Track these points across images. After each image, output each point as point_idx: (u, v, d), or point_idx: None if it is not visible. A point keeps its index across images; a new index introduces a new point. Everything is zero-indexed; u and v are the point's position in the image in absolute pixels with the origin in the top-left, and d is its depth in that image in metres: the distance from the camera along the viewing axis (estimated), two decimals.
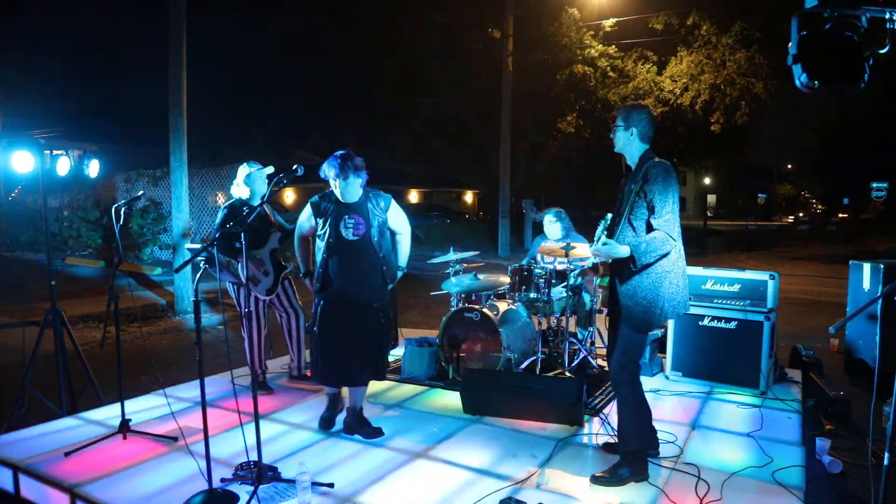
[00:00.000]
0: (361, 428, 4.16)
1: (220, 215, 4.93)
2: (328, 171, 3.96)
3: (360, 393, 4.21)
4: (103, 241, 16.14)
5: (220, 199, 15.00)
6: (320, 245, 4.09)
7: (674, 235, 3.30)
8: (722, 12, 15.65)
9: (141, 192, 4.66)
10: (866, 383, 5.70)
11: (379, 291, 4.10)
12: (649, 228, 3.34)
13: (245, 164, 5.05)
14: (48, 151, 4.81)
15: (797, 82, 2.32)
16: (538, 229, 6.19)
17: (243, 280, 4.66)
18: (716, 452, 3.87)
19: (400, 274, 4.35)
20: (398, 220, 4.29)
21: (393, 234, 4.30)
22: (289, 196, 30.28)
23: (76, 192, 16.79)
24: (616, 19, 17.30)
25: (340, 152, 3.98)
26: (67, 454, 3.84)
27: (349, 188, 3.98)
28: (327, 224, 4.03)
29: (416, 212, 31.89)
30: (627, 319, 3.40)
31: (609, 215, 3.46)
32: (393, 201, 4.25)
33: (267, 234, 5.06)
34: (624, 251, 3.28)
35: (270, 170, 5.01)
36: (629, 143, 3.48)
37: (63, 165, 4.81)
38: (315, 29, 20.58)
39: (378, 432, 4.14)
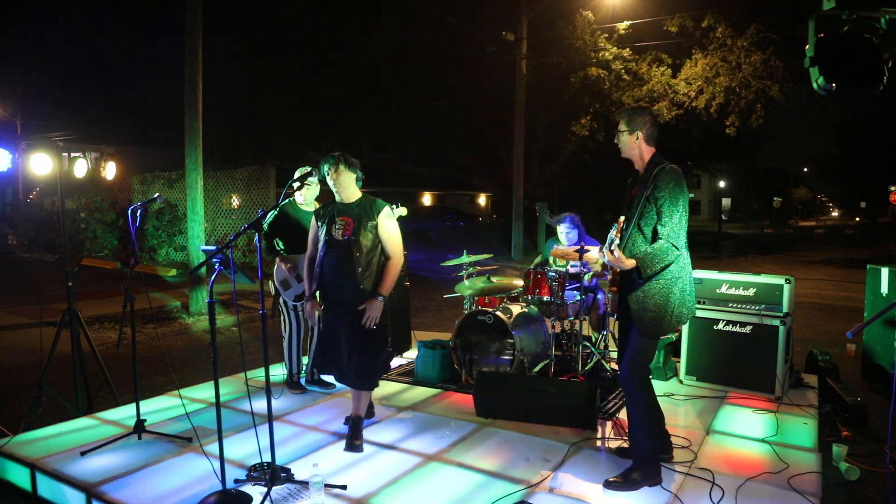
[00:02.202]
0: (351, 436, 4.01)
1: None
2: (323, 166, 4.00)
3: (358, 399, 4.09)
4: (119, 242, 16.32)
5: (235, 202, 15.11)
6: (319, 246, 4.06)
7: (678, 244, 3.29)
8: (738, 14, 15.55)
9: (156, 194, 4.70)
10: (884, 389, 5.63)
11: (364, 294, 3.91)
12: (654, 233, 3.33)
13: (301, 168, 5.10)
14: (66, 154, 4.88)
15: (814, 85, 2.30)
16: (551, 231, 6.17)
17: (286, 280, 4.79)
18: (730, 458, 3.84)
19: (379, 300, 3.90)
20: (388, 232, 4.01)
21: (385, 254, 4.02)
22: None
23: (93, 193, 16.99)
24: (630, 22, 17.25)
25: (337, 153, 4.02)
26: (83, 453, 3.88)
27: (343, 183, 3.97)
28: (324, 224, 4.04)
29: (429, 214, 31.97)
30: (638, 325, 3.39)
31: (622, 217, 3.45)
32: (388, 209, 4.08)
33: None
34: (630, 264, 3.26)
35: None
36: (635, 147, 3.46)
37: (80, 168, 4.87)
38: (329, 31, 20.67)
39: (355, 448, 3.95)
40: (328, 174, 3.99)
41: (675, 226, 3.27)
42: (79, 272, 4.97)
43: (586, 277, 5.42)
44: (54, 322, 4.81)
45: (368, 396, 4.18)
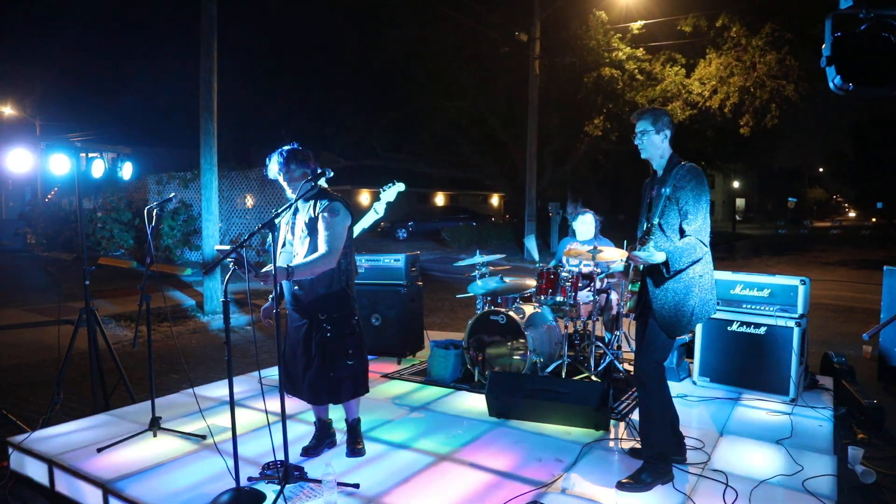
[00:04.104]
0: (351, 441, 3.94)
1: None
2: (270, 167, 3.70)
3: (348, 406, 3.93)
4: (135, 241, 16.47)
5: (249, 201, 15.21)
6: (277, 250, 3.77)
7: (705, 241, 3.30)
8: (752, 14, 15.44)
9: (172, 194, 4.74)
10: None
11: (322, 300, 3.63)
12: (681, 232, 3.32)
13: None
14: (83, 154, 4.92)
15: (831, 84, 2.29)
16: (564, 232, 6.17)
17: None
18: (744, 460, 3.82)
19: (283, 270, 3.38)
20: (324, 224, 3.56)
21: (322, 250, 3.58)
22: None
23: (110, 193, 17.18)
24: (644, 21, 17.17)
25: (287, 147, 3.72)
26: (100, 450, 3.92)
27: (297, 183, 3.66)
28: (284, 225, 3.79)
29: (442, 214, 31.97)
30: (658, 322, 3.38)
31: (653, 222, 3.44)
32: (332, 205, 3.61)
33: None
34: (660, 257, 3.26)
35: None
36: (660, 147, 3.46)
37: (97, 168, 4.92)
38: (342, 32, 20.76)
39: (357, 453, 3.90)
40: (279, 176, 3.68)
41: (701, 224, 3.29)
42: (95, 271, 5.01)
43: (614, 267, 5.35)
44: (72, 320, 4.86)
45: (359, 400, 3.95)
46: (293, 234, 3.74)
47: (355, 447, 3.93)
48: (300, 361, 3.72)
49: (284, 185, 3.73)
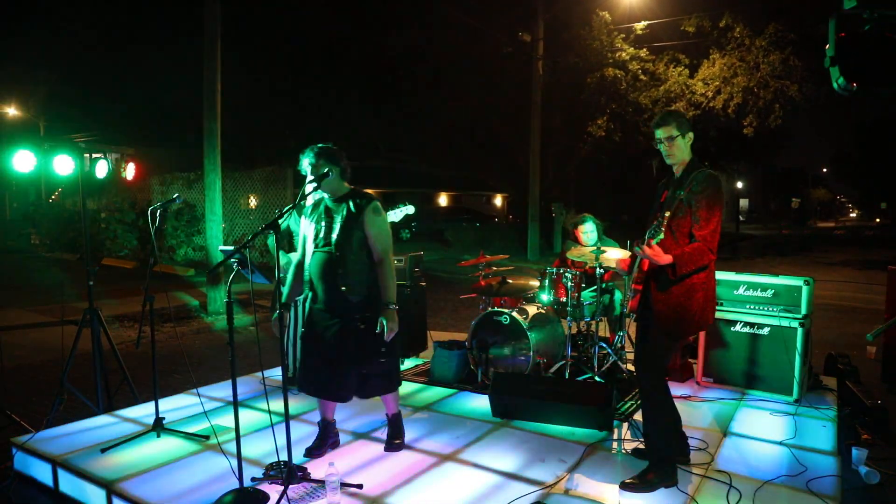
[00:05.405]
0: (392, 436, 4.03)
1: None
2: (301, 161, 3.74)
3: (387, 400, 4.01)
4: (139, 242, 16.50)
5: (253, 202, 15.23)
6: (307, 249, 3.83)
7: (713, 248, 3.27)
8: (756, 14, 15.41)
9: (176, 194, 4.73)
10: None
11: (365, 301, 3.68)
12: (690, 237, 3.31)
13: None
14: (87, 155, 4.94)
15: (835, 84, 2.29)
16: (568, 233, 6.16)
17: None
18: (748, 460, 3.81)
19: (391, 308, 3.66)
20: (376, 228, 3.68)
21: (374, 255, 3.71)
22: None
23: (113, 194, 17.24)
24: (647, 22, 17.14)
25: (322, 144, 3.78)
26: (104, 451, 3.93)
27: (323, 180, 3.65)
28: (312, 223, 3.81)
29: (445, 214, 31.99)
30: (659, 324, 3.37)
31: (667, 213, 3.42)
32: (374, 204, 3.71)
33: None
34: (666, 259, 3.24)
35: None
36: (684, 150, 3.44)
37: (101, 169, 4.93)
38: (346, 33, 20.78)
39: (395, 448, 4.00)
40: (308, 170, 3.71)
41: (711, 231, 3.26)
42: (99, 271, 5.03)
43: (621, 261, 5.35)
44: (75, 321, 4.88)
45: (398, 393, 4.02)
46: (330, 230, 3.70)
47: (394, 442, 4.00)
48: (335, 361, 3.70)
49: (309, 175, 3.74)
